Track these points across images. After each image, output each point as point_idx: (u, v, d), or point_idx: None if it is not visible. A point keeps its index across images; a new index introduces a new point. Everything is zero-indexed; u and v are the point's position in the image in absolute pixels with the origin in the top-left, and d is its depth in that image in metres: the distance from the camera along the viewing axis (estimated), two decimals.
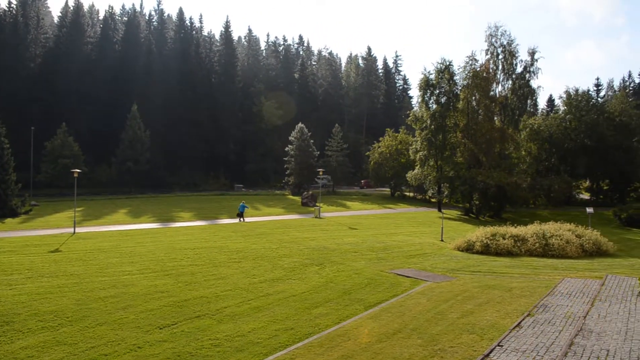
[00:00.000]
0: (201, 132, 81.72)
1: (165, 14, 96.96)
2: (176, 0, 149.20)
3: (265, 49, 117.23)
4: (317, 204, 50.89)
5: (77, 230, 32.87)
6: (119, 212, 45.96)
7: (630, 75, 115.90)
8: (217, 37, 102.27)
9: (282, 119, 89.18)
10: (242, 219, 41.55)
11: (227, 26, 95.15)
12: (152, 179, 73.09)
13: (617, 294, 13.98)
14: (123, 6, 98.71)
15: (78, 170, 36.03)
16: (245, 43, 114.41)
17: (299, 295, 16.67)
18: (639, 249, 30.45)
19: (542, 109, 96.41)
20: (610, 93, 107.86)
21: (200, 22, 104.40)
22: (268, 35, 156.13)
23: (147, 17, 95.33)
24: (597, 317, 11.48)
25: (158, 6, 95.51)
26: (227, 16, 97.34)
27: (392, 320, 13.31)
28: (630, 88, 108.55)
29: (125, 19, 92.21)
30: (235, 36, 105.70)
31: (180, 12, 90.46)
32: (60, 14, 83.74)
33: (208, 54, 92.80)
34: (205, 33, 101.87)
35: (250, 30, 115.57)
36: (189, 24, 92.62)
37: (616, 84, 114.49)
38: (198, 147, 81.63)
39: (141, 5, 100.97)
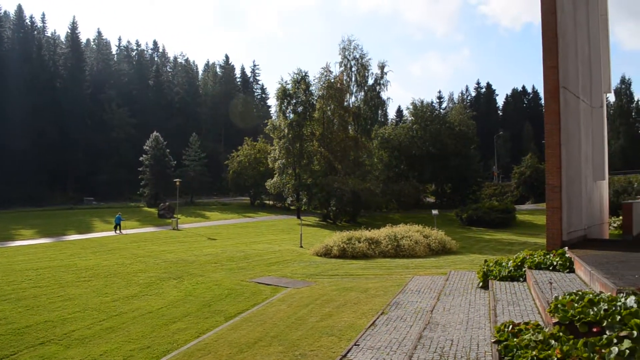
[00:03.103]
0: (45, 142, 74.87)
1: (1, 11, 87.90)
2: None
3: (117, 54, 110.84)
4: (174, 216, 49.38)
5: None
6: None
7: (467, 89, 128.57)
8: (63, 38, 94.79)
9: (136, 127, 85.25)
10: (119, 231, 41.14)
11: (73, 27, 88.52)
12: None
13: (460, 287, 15.18)
14: None
15: None
16: (94, 46, 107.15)
17: (155, 312, 15.84)
18: (477, 246, 33.57)
19: (392, 119, 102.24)
20: (450, 105, 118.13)
21: (43, 21, 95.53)
22: (120, 39, 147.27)
23: None
24: (443, 310, 12.35)
25: None
26: (74, 16, 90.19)
27: (253, 329, 13.17)
28: (467, 100, 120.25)
29: None
30: (83, 38, 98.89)
31: (19, 10, 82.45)
32: None
33: (52, 56, 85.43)
34: (48, 34, 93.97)
35: (99, 32, 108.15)
36: (29, 23, 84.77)
37: (456, 97, 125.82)
38: (42, 158, 74.62)
39: None
